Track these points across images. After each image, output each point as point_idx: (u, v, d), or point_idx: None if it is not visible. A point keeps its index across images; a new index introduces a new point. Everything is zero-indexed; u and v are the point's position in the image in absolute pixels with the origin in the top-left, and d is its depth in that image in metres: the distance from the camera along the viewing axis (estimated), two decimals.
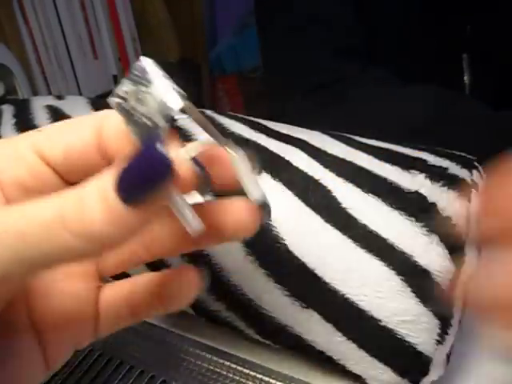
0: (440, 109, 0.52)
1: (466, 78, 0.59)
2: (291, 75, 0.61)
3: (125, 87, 0.17)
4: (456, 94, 0.55)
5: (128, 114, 0.17)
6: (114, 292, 0.22)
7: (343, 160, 0.30)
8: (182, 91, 0.16)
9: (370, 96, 0.55)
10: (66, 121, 0.20)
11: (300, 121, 0.36)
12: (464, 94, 0.55)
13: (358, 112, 0.54)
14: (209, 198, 0.21)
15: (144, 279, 0.22)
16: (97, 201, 0.15)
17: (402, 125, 0.49)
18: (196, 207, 0.18)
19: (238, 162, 0.18)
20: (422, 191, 0.27)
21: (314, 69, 0.59)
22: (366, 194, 0.28)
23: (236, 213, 0.19)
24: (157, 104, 0.16)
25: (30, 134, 0.20)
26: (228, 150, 0.18)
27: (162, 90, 0.16)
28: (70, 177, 0.20)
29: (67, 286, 0.21)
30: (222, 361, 0.30)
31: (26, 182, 0.19)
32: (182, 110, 0.16)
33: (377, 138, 0.32)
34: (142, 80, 0.16)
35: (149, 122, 0.16)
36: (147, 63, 0.16)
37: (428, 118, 0.50)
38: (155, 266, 0.31)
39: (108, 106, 0.18)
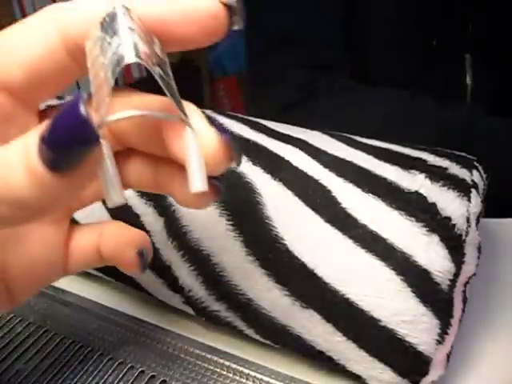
0: (397, 110, 0.53)
1: (468, 79, 0.60)
2: (267, 92, 0.62)
3: (94, 31, 0.16)
4: (414, 95, 0.56)
5: (91, 62, 0.16)
6: (82, 235, 0.22)
7: (343, 160, 0.30)
8: (144, 48, 0.15)
9: (334, 107, 0.57)
10: (11, 31, 0.17)
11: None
12: (422, 94, 0.56)
13: (326, 125, 0.55)
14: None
15: (113, 225, 0.22)
16: (21, 165, 0.14)
17: (364, 128, 0.50)
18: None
19: (191, 138, 0.16)
20: (422, 191, 0.27)
21: (285, 87, 0.60)
22: (366, 194, 0.28)
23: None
24: (113, 57, 0.15)
25: None
26: (187, 123, 0.16)
27: (120, 42, 0.15)
28: (32, 95, 0.18)
29: (36, 232, 0.21)
30: (221, 361, 0.30)
31: None
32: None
33: (391, 141, 0.33)
34: (109, 29, 0.15)
35: (102, 74, 0.15)
36: (120, 12, 0.16)
37: (387, 119, 0.52)
38: (160, 268, 0.31)
39: None
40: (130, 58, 0.14)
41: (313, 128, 0.34)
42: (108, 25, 0.16)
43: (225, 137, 0.17)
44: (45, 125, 0.14)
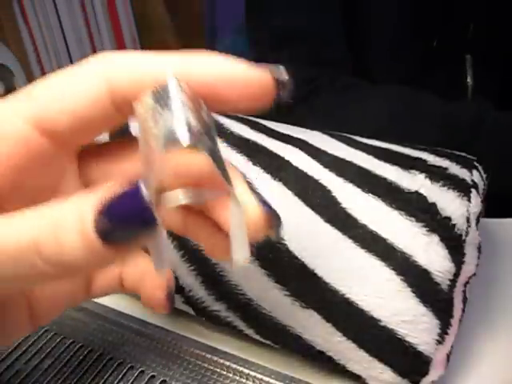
0: (401, 106, 0.53)
1: (468, 79, 0.59)
2: None
3: (147, 98, 0.16)
4: (417, 91, 0.55)
5: (141, 128, 0.16)
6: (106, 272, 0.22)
7: (343, 160, 0.30)
8: (196, 125, 0.15)
9: (336, 104, 0.56)
10: (58, 77, 0.17)
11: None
12: (425, 90, 0.56)
13: (329, 122, 0.55)
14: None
15: (137, 257, 0.22)
16: (74, 232, 0.14)
17: (367, 125, 0.50)
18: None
19: (236, 212, 0.17)
20: (422, 191, 0.27)
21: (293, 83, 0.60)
22: (366, 194, 0.28)
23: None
24: (166, 132, 0.15)
25: (16, 102, 0.17)
26: (232, 196, 0.17)
27: (173, 121, 0.15)
28: (72, 139, 0.18)
29: None
30: (222, 361, 0.30)
31: (19, 160, 0.17)
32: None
33: (391, 141, 0.33)
34: (161, 100, 0.16)
35: (153, 145, 0.15)
36: (172, 84, 0.16)
37: (390, 116, 0.52)
38: None
39: None
40: (184, 140, 0.15)
41: (315, 125, 0.34)
42: (160, 95, 0.16)
43: (266, 208, 0.18)
44: (102, 195, 0.14)
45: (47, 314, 0.22)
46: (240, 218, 0.17)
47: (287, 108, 0.58)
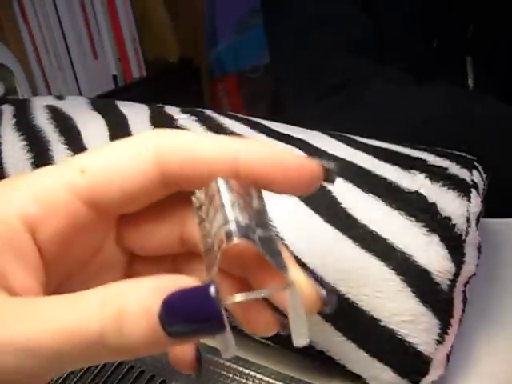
0: (454, 107, 0.51)
1: (469, 80, 0.59)
2: (304, 76, 0.60)
3: (201, 194, 0.18)
4: (468, 92, 0.55)
5: (198, 222, 0.18)
6: None
7: (343, 160, 0.30)
8: (245, 220, 0.16)
9: (385, 97, 0.55)
10: (110, 151, 0.18)
11: (314, 124, 0.36)
12: (474, 92, 0.55)
13: (373, 113, 0.54)
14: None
15: None
16: (139, 324, 0.14)
17: (419, 124, 0.49)
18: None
19: (293, 297, 0.17)
20: (422, 191, 0.27)
21: (327, 70, 0.58)
22: (366, 194, 0.28)
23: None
24: (219, 231, 0.16)
25: (68, 176, 0.17)
26: (288, 283, 0.17)
27: (225, 219, 0.16)
28: (116, 211, 0.18)
29: None
30: (222, 361, 0.30)
31: (68, 234, 0.17)
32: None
33: (393, 139, 0.32)
34: (214, 199, 0.17)
35: (210, 241, 0.17)
36: (221, 185, 0.17)
37: (443, 117, 0.50)
38: None
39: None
40: (235, 240, 0.16)
41: (358, 116, 0.33)
42: (211, 195, 0.17)
43: (322, 290, 0.18)
44: (168, 287, 0.14)
45: None
46: (298, 303, 0.17)
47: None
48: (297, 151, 0.31)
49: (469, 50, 0.59)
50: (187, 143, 0.17)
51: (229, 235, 0.16)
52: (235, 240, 0.16)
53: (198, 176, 0.17)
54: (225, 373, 0.29)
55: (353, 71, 0.57)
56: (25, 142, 0.35)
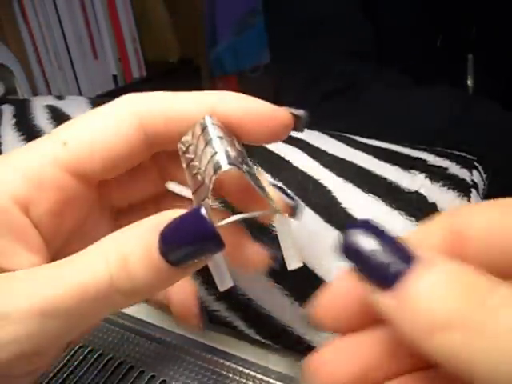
0: (454, 109, 0.51)
1: (469, 79, 0.59)
2: (304, 78, 0.60)
3: (187, 137, 0.18)
4: (468, 95, 0.55)
5: (186, 164, 0.18)
6: None
7: (343, 160, 0.30)
8: (233, 153, 0.17)
9: (385, 99, 0.55)
10: (89, 120, 0.18)
11: (314, 125, 0.36)
12: (475, 94, 0.55)
13: (373, 116, 0.54)
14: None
15: None
16: (143, 262, 0.15)
17: (420, 126, 0.49)
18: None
19: (282, 223, 0.18)
20: (422, 191, 0.27)
21: (327, 73, 0.58)
22: (366, 194, 0.28)
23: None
24: (209, 164, 0.17)
25: (51, 150, 0.17)
26: (276, 209, 0.18)
27: (214, 151, 0.17)
28: (101, 177, 0.19)
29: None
30: (222, 361, 0.30)
31: (59, 208, 0.18)
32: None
33: (393, 139, 0.32)
34: (201, 137, 0.17)
35: (200, 178, 0.17)
36: (208, 122, 0.18)
37: (445, 119, 0.50)
38: None
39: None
40: (225, 167, 0.16)
41: (357, 119, 0.33)
42: (198, 132, 0.18)
43: (291, 201, 0.20)
44: (163, 221, 0.15)
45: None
46: (287, 228, 0.18)
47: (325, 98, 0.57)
48: (296, 151, 0.31)
49: (471, 49, 0.59)
50: (166, 102, 0.18)
51: (220, 164, 0.16)
52: (226, 167, 0.16)
53: (181, 132, 0.18)
54: (225, 373, 0.29)
55: (353, 74, 0.57)
56: (25, 142, 0.35)
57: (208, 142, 0.17)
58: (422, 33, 0.59)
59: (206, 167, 0.17)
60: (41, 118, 0.38)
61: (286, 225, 0.18)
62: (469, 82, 0.59)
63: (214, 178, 0.16)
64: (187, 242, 0.15)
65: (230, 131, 0.18)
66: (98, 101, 0.41)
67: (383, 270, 0.12)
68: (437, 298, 0.11)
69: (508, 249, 0.13)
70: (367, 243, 0.13)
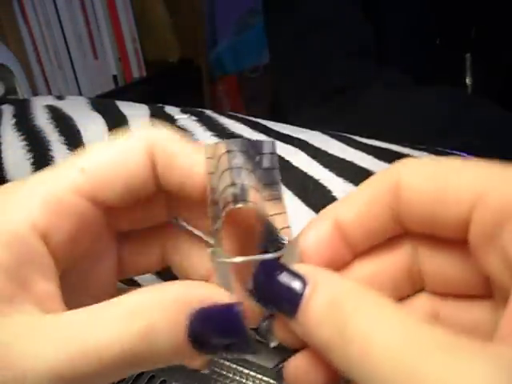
0: (454, 109, 0.51)
1: (468, 78, 0.59)
2: (304, 78, 0.60)
3: (210, 148, 0.18)
4: (468, 95, 0.55)
5: (209, 171, 0.18)
6: None
7: (343, 160, 0.30)
8: (251, 183, 0.17)
9: (385, 99, 0.55)
10: (107, 149, 0.18)
11: (314, 126, 0.36)
12: (475, 94, 0.55)
13: (373, 116, 0.54)
14: None
15: None
16: (168, 340, 0.15)
17: (420, 126, 0.49)
18: None
19: (288, 257, 0.18)
20: None
21: (327, 72, 0.58)
22: None
23: None
24: (223, 192, 0.17)
25: (72, 179, 0.17)
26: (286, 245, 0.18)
27: (230, 181, 0.17)
28: (116, 211, 0.19)
29: None
30: (222, 361, 0.30)
31: (75, 234, 0.17)
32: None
33: (392, 141, 0.32)
34: (221, 158, 0.17)
35: (216, 197, 0.17)
36: (230, 146, 0.17)
37: (445, 119, 0.50)
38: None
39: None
40: (239, 203, 0.16)
41: (357, 119, 0.33)
42: (220, 153, 0.17)
43: None
44: (195, 300, 0.15)
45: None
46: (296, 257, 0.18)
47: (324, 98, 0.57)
48: (296, 151, 0.31)
49: (469, 49, 0.59)
50: (181, 150, 0.18)
51: (233, 198, 0.16)
52: (239, 204, 0.16)
53: (181, 184, 0.18)
54: (225, 373, 0.29)
55: (353, 74, 0.57)
56: (25, 142, 0.35)
57: (227, 169, 0.17)
58: (421, 32, 0.59)
59: (222, 191, 0.17)
60: (41, 118, 0.38)
61: (297, 255, 0.18)
62: (468, 81, 0.59)
63: (226, 208, 0.16)
64: (216, 337, 0.15)
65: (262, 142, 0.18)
66: (98, 101, 0.41)
67: (283, 303, 0.15)
68: (319, 324, 0.14)
69: (439, 201, 0.15)
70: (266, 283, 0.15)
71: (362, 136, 0.34)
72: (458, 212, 0.15)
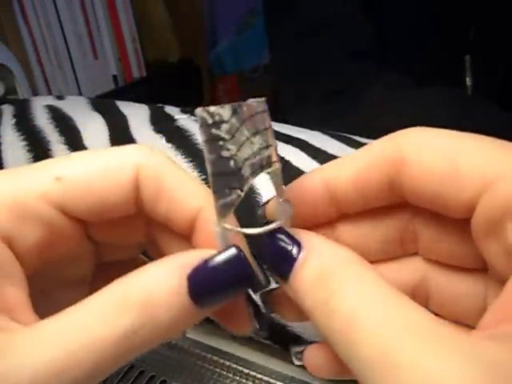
0: (454, 110, 0.51)
1: (467, 79, 0.59)
2: (304, 79, 0.60)
3: (220, 110, 0.16)
4: (468, 96, 0.55)
5: (208, 139, 0.15)
6: None
7: None
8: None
9: (385, 100, 0.55)
10: (89, 160, 0.17)
11: (314, 126, 0.36)
12: (472, 95, 0.55)
13: (372, 116, 0.54)
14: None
15: None
16: (171, 306, 0.14)
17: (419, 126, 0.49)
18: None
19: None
20: None
21: (327, 73, 0.58)
22: None
23: None
24: (257, 156, 0.16)
25: (44, 186, 0.16)
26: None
27: (267, 144, 0.16)
28: (94, 229, 0.18)
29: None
30: (222, 361, 0.30)
31: (44, 242, 0.17)
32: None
33: None
34: (249, 121, 0.16)
35: (233, 165, 0.15)
36: (266, 107, 0.16)
37: (445, 120, 0.50)
38: None
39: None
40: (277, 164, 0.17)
41: (356, 120, 0.33)
42: (246, 116, 0.16)
43: None
44: (191, 264, 0.15)
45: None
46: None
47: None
48: (296, 151, 0.31)
49: (468, 50, 0.59)
50: (167, 178, 0.17)
51: (269, 160, 0.16)
52: (277, 165, 0.16)
53: (166, 209, 0.17)
54: (225, 373, 0.29)
55: (353, 74, 0.57)
56: (25, 142, 0.35)
57: (259, 132, 0.16)
58: (421, 33, 0.59)
59: (249, 157, 0.16)
60: (41, 118, 0.38)
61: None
62: (467, 82, 0.59)
63: (264, 172, 0.16)
64: (220, 287, 0.15)
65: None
66: (98, 101, 0.41)
67: (278, 266, 0.15)
68: (307, 292, 0.15)
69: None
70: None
71: (362, 136, 0.34)
72: (465, 196, 0.14)
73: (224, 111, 0.16)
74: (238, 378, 0.29)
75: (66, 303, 0.15)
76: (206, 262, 0.15)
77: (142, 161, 0.17)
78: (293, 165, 0.29)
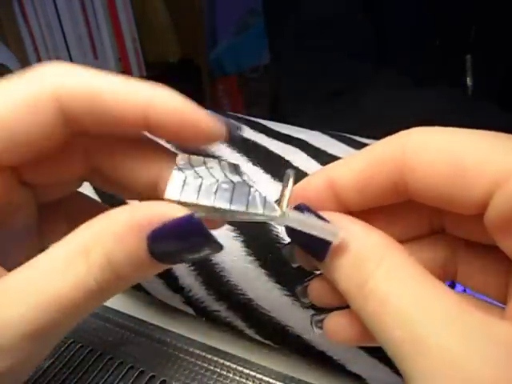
0: (453, 110, 0.51)
1: (468, 79, 0.59)
2: (304, 79, 0.60)
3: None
4: (468, 97, 0.55)
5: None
6: None
7: None
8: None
9: (383, 99, 0.55)
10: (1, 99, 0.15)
11: (314, 127, 0.36)
12: (472, 95, 0.55)
13: (372, 116, 0.54)
14: None
15: None
16: (128, 260, 0.15)
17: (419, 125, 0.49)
18: None
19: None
20: None
21: (327, 73, 0.59)
22: None
23: None
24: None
25: None
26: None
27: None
28: (26, 172, 0.17)
29: None
30: (222, 361, 0.30)
31: None
32: None
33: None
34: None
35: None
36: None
37: (445, 120, 0.50)
38: None
39: None
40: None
41: (354, 117, 0.33)
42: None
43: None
44: (152, 222, 0.15)
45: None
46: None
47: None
48: (296, 151, 0.31)
49: (469, 50, 0.59)
50: (95, 88, 0.16)
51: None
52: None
53: (105, 124, 0.16)
54: (225, 373, 0.29)
55: (353, 74, 0.57)
56: None
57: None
58: (421, 33, 0.59)
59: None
60: None
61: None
62: (468, 82, 0.59)
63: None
64: (180, 246, 0.15)
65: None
66: None
67: (315, 248, 0.16)
68: (342, 274, 0.16)
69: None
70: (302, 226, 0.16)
71: (362, 136, 0.34)
72: (475, 193, 0.14)
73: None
74: (237, 378, 0.29)
75: (18, 254, 0.15)
76: (165, 226, 0.15)
77: (60, 83, 0.15)
78: (293, 165, 0.29)
